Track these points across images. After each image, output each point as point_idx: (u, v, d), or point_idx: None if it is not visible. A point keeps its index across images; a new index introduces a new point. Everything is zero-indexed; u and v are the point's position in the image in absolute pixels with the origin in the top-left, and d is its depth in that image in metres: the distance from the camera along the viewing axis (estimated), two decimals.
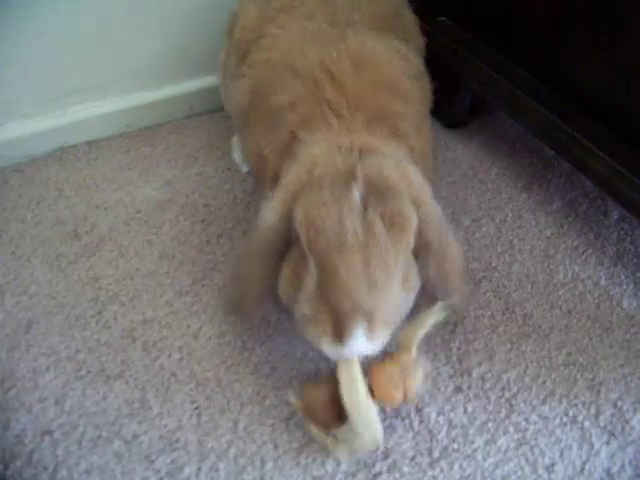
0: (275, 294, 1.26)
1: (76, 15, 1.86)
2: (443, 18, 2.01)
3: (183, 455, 1.31)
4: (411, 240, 1.18)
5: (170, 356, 1.47)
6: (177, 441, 1.33)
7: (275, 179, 1.32)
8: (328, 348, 1.17)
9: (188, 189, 1.86)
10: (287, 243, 1.22)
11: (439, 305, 1.27)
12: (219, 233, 1.73)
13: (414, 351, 1.28)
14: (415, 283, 1.24)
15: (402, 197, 1.18)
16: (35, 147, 1.97)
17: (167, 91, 2.09)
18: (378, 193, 1.17)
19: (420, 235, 1.20)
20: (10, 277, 1.62)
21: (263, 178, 1.41)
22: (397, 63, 1.44)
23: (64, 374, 1.44)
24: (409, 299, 1.24)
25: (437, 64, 1.88)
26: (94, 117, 2.02)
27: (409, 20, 1.69)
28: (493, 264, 1.67)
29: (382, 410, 1.32)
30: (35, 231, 1.74)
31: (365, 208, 1.16)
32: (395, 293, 1.17)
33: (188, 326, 1.52)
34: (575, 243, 1.73)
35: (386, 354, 1.26)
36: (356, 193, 1.17)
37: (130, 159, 1.97)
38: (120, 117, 2.05)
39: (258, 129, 1.43)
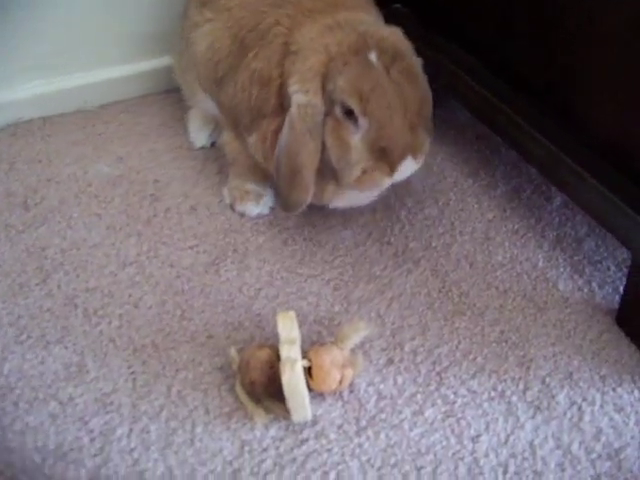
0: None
1: None
2: (398, 5, 2.04)
3: (116, 417, 1.34)
4: (426, 81, 1.53)
5: (110, 323, 1.49)
6: (111, 404, 1.36)
7: (279, 92, 1.51)
8: (387, 181, 1.49)
9: (139, 165, 1.88)
10: (321, 118, 1.46)
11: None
12: (166, 207, 1.76)
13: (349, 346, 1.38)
14: (430, 101, 1.55)
15: (407, 53, 1.50)
16: None
17: (122, 70, 2.11)
18: (390, 55, 1.45)
19: None
20: None
21: (265, 99, 1.54)
22: None
23: (4, 338, 1.46)
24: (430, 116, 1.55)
25: None
26: (49, 93, 2.04)
27: None
28: (433, 244, 1.71)
29: None
30: None
31: (387, 69, 1.44)
32: (424, 124, 1.50)
33: (130, 295, 1.55)
34: (516, 227, 1.77)
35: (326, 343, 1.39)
36: (374, 57, 1.44)
37: (84, 135, 1.99)
38: (75, 94, 2.07)
39: (250, 60, 1.55)
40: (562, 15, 1.57)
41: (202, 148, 1.95)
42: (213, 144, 1.93)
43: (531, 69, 1.69)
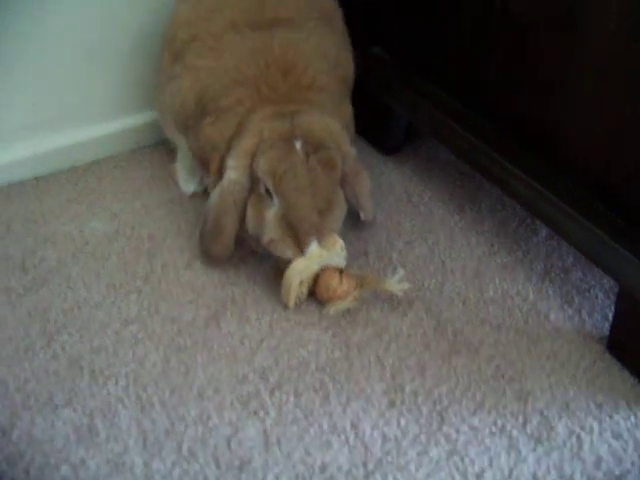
0: (241, 235, 1.71)
1: (20, 54, 1.92)
2: (376, 48, 2.09)
3: (129, 477, 1.36)
4: (339, 175, 1.66)
5: (117, 383, 1.52)
6: (123, 464, 1.38)
7: (221, 159, 1.71)
8: (293, 256, 1.62)
9: (134, 221, 1.92)
10: (248, 193, 1.66)
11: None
12: (163, 263, 1.79)
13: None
14: (344, 201, 1.71)
15: (330, 145, 1.64)
16: None
17: (112, 126, 2.14)
18: (310, 145, 1.62)
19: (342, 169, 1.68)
20: None
21: (212, 161, 1.76)
22: (316, 63, 1.77)
23: (12, 404, 1.48)
24: (343, 212, 1.70)
25: (370, 92, 1.99)
26: (40, 153, 2.07)
27: (328, 4, 1.94)
28: (425, 284, 1.75)
29: (319, 425, 1.42)
30: None
31: (307, 157, 1.61)
32: (335, 212, 1.65)
33: (134, 353, 1.58)
34: (505, 261, 1.82)
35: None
36: (298, 145, 1.61)
37: (77, 193, 2.03)
38: (67, 152, 2.10)
39: (207, 125, 1.76)
40: (541, 53, 1.63)
41: (194, 195, 1.99)
42: (205, 190, 1.96)
43: (510, 107, 1.74)
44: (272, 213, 1.62)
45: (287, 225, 1.61)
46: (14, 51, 1.92)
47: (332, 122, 1.70)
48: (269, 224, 1.62)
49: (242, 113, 1.71)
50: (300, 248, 1.61)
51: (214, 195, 1.70)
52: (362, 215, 1.79)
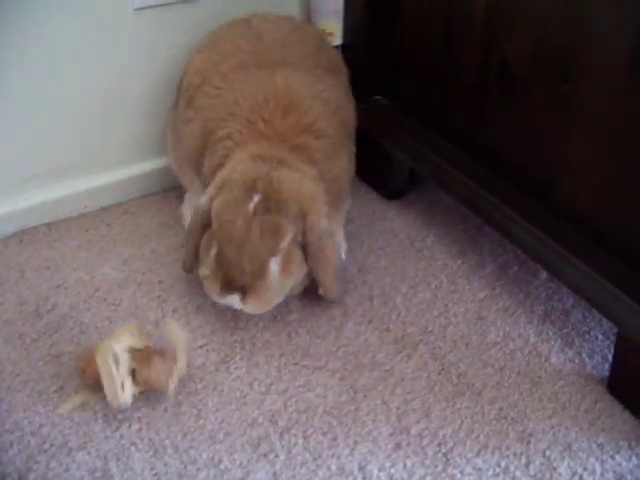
0: None
1: (28, 102, 1.97)
2: (378, 97, 2.16)
3: None
4: (283, 245, 1.60)
5: (130, 426, 1.56)
6: None
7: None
8: (216, 299, 1.66)
9: (144, 267, 1.97)
10: (210, 222, 1.65)
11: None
12: (174, 308, 1.84)
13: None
14: (296, 271, 1.67)
15: (286, 210, 1.61)
16: None
17: (121, 173, 2.20)
18: (269, 203, 1.60)
19: (304, 237, 1.64)
20: None
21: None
22: (316, 107, 1.77)
23: (28, 448, 1.52)
24: (286, 283, 1.66)
25: (372, 140, 2.04)
26: (52, 200, 2.12)
27: (331, 53, 2.02)
28: (429, 328, 1.79)
29: (327, 467, 1.45)
30: None
31: (255, 214, 1.59)
32: (265, 278, 1.61)
33: (147, 397, 1.61)
34: (506, 304, 1.86)
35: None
36: (255, 199, 1.60)
37: (88, 239, 2.08)
38: (77, 199, 2.15)
39: (206, 157, 1.80)
40: (540, 105, 1.69)
41: None
42: None
43: (510, 155, 1.79)
44: (213, 251, 1.64)
45: (218, 269, 1.63)
46: (28, 100, 1.97)
47: (309, 188, 1.67)
48: (209, 260, 1.65)
49: (230, 146, 1.73)
50: (219, 295, 1.64)
51: (192, 213, 1.76)
52: (320, 291, 1.75)
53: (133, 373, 1.55)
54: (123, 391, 1.53)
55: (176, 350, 1.58)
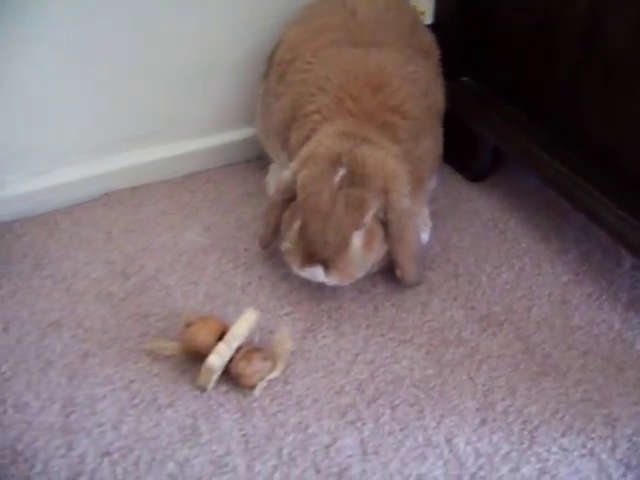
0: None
1: (119, 70, 2.01)
2: (466, 78, 2.15)
3: (233, 478, 1.42)
4: (366, 219, 1.63)
5: (217, 388, 1.58)
6: (226, 465, 1.44)
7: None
8: (297, 271, 1.68)
9: (228, 234, 1.99)
10: (294, 196, 1.67)
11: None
12: (259, 275, 1.86)
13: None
14: (377, 247, 1.69)
15: (370, 185, 1.62)
16: (82, 192, 2.10)
17: (206, 141, 2.23)
18: (354, 177, 1.62)
19: (385, 215, 1.66)
20: (66, 312, 1.75)
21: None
22: (405, 88, 1.78)
23: (119, 402, 1.56)
24: (367, 257, 1.68)
25: (458, 119, 2.04)
26: (137, 165, 2.16)
27: (424, 33, 2.01)
28: (514, 308, 1.79)
29: (414, 438, 1.47)
30: (87, 270, 1.87)
31: (340, 187, 1.61)
32: (348, 251, 1.63)
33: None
34: (590, 290, 1.85)
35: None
36: (340, 173, 1.62)
37: (172, 205, 2.11)
38: (161, 165, 2.19)
39: (293, 131, 1.83)
40: (632, 81, 1.67)
41: None
42: None
43: (601, 139, 1.78)
44: (297, 224, 1.65)
45: (301, 241, 1.64)
46: (119, 70, 2.01)
47: (393, 165, 1.68)
48: (291, 233, 1.67)
49: (318, 121, 1.75)
50: (301, 267, 1.65)
51: (276, 186, 1.79)
52: (397, 273, 1.76)
53: (229, 363, 1.57)
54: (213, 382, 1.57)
55: (278, 354, 1.60)
